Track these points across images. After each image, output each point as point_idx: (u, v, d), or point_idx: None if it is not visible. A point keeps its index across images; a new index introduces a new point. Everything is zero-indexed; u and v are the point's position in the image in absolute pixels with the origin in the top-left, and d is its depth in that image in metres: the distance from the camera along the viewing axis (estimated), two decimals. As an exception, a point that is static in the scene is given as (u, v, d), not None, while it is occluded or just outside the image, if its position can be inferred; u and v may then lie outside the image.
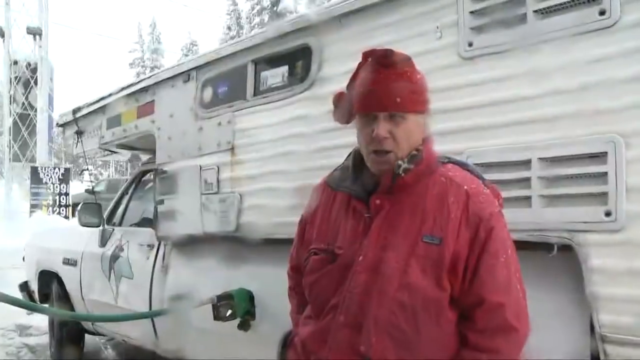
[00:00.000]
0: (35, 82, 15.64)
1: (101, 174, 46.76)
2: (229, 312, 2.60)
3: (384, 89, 1.31)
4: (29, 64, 15.88)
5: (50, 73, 16.01)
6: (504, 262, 1.28)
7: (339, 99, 1.45)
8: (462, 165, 1.45)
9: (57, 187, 15.13)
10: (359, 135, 1.39)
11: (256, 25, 38.73)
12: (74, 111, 4.20)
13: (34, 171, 15.02)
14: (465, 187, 1.34)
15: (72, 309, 4.40)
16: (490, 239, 1.28)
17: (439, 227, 1.29)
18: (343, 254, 1.36)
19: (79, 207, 4.12)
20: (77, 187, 20.66)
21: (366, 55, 1.35)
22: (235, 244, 2.77)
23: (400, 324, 1.26)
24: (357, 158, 1.44)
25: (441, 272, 1.27)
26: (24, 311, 5.52)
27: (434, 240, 1.28)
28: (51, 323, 4.75)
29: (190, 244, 3.10)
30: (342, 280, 1.34)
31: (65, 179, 15.44)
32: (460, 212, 1.30)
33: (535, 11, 1.72)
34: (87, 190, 17.55)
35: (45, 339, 5.15)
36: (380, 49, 1.33)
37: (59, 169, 16.08)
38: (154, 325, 3.38)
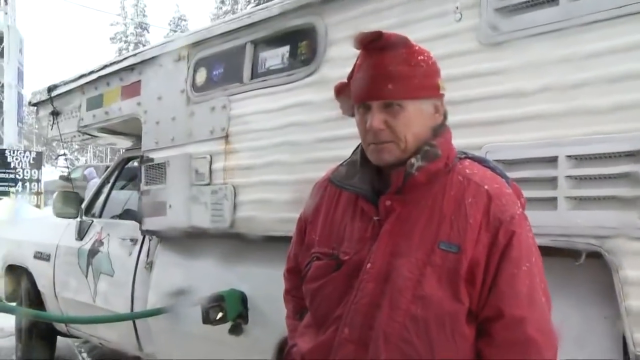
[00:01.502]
0: (2, 54, 15.47)
1: (78, 159, 46.68)
2: (220, 315, 2.60)
3: (375, 75, 1.29)
4: (-6, 33, 15.69)
5: (19, 44, 15.84)
6: (526, 271, 1.25)
7: (340, 89, 1.44)
8: (481, 162, 1.42)
9: (27, 172, 15.08)
10: (357, 128, 1.37)
11: (252, 0, 38.56)
12: (50, 89, 4.18)
13: (1, 154, 14.94)
14: (486, 187, 1.31)
15: (43, 308, 4.39)
16: (511, 245, 1.25)
17: (456, 232, 1.27)
18: (349, 260, 1.34)
19: (54, 196, 4.10)
20: (50, 173, 20.61)
21: (356, 40, 1.32)
22: (227, 240, 2.77)
23: (412, 339, 1.24)
24: (364, 152, 1.42)
25: (459, 282, 1.24)
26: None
27: (452, 247, 1.26)
28: (19, 324, 4.73)
29: (178, 240, 3.09)
30: (347, 289, 1.33)
31: (36, 163, 15.38)
32: (481, 215, 1.27)
33: (569, -9, 1.70)
34: (61, 177, 17.49)
35: (11, 342, 5.12)
36: (369, 32, 1.30)
37: (30, 152, 16.01)
38: (135, 328, 3.38)
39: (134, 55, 3.42)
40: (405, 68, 1.30)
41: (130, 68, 3.37)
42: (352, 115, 1.42)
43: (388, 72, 1.28)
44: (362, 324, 1.29)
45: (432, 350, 1.24)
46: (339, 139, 2.18)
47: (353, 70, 1.39)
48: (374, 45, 1.30)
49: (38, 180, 15.14)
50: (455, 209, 1.29)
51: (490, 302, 1.25)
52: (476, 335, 1.27)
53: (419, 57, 1.33)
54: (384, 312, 1.26)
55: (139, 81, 3.30)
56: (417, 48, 1.34)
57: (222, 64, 2.82)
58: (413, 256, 1.27)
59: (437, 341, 1.24)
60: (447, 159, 1.34)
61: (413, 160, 1.30)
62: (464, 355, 1.26)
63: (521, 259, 1.26)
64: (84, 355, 4.91)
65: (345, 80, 1.43)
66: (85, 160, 45.11)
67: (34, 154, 15.62)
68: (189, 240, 3.03)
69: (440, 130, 1.36)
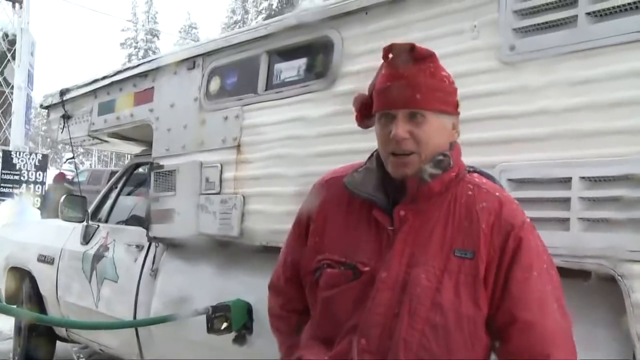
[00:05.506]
0: (13, 56, 15.55)
1: (82, 163, 46.86)
2: (224, 324, 2.60)
3: (403, 85, 1.32)
4: (6, 35, 15.75)
5: (30, 47, 15.93)
6: (537, 277, 1.29)
7: (358, 101, 1.46)
8: (489, 177, 1.47)
9: (32, 174, 15.13)
10: (377, 137, 1.40)
11: (263, 10, 38.87)
12: (62, 93, 4.22)
13: (7, 155, 14.98)
14: (497, 194, 1.37)
15: (43, 312, 4.39)
16: (521, 249, 1.29)
17: (470, 239, 1.30)
18: (368, 271, 1.35)
19: (61, 199, 4.13)
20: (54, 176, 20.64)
21: (387, 50, 1.36)
22: (234, 250, 2.78)
23: (432, 347, 1.27)
24: (380, 161, 1.44)
25: (477, 288, 1.28)
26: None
27: (467, 254, 1.30)
28: (18, 327, 4.73)
29: (184, 248, 3.11)
30: (362, 299, 1.34)
31: (42, 166, 15.43)
32: (493, 218, 1.32)
33: (587, 13, 1.72)
34: (66, 180, 17.56)
35: (8, 345, 5.11)
36: (401, 43, 1.35)
37: (36, 154, 16.06)
38: (137, 335, 3.38)
39: (148, 61, 3.46)
40: (432, 81, 1.34)
41: (144, 74, 3.41)
42: (366, 127, 1.46)
43: (417, 82, 1.32)
44: (381, 333, 1.30)
45: (450, 356, 1.27)
46: (351, 152, 2.19)
47: (373, 81, 1.42)
48: (404, 56, 1.33)
49: (42, 183, 15.18)
50: (467, 215, 1.33)
51: (504, 307, 1.29)
52: (494, 341, 1.31)
53: (443, 73, 1.38)
54: (403, 321, 1.28)
55: (152, 88, 3.33)
56: (441, 64, 1.38)
57: (237, 74, 2.85)
58: (430, 264, 1.30)
59: (456, 347, 1.27)
60: (458, 169, 1.39)
61: (426, 166, 1.33)
62: (481, 358, 1.30)
63: (532, 265, 1.30)
64: (83, 360, 4.90)
65: (362, 92, 1.46)
66: (90, 164, 45.26)
67: (39, 156, 15.66)
68: (196, 249, 3.04)
69: (452, 144, 1.41)
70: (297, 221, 1.58)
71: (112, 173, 16.85)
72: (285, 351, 1.59)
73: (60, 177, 13.29)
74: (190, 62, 3.07)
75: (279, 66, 2.67)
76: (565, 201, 1.73)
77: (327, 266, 1.42)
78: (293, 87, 2.57)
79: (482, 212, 1.32)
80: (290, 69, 2.62)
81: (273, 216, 2.56)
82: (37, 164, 15.20)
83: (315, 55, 2.53)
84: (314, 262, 1.45)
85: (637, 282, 1.56)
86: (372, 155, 1.47)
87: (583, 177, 1.70)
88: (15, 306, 4.68)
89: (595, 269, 1.64)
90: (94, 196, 4.52)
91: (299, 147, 2.48)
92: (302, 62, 2.58)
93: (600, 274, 1.64)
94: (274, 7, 38.61)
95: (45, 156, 16.91)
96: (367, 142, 1.99)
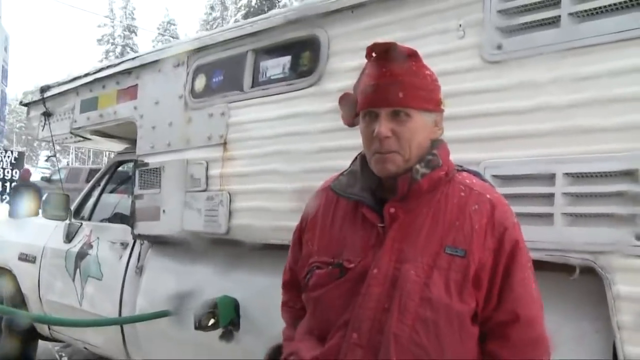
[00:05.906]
0: (-14, 51, 15.35)
1: (59, 160, 46.27)
2: (212, 321, 2.62)
3: (386, 83, 1.34)
4: (-22, 30, 15.55)
5: (4, 42, 15.73)
6: (530, 275, 1.35)
7: (344, 99, 1.48)
8: (477, 175, 1.50)
9: (8, 172, 14.95)
10: (362, 136, 1.41)
11: (242, 7, 38.69)
12: (42, 90, 4.18)
13: (-19, 153, 14.78)
14: (488, 196, 1.39)
15: (26, 310, 4.34)
16: (518, 250, 1.34)
17: (462, 238, 1.33)
18: (354, 267, 1.37)
19: (44, 198, 4.10)
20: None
21: (370, 49, 1.38)
22: (220, 247, 2.80)
23: (422, 341, 1.29)
24: (364, 162, 1.46)
25: (466, 285, 1.31)
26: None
27: (458, 252, 1.32)
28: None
29: (170, 245, 3.11)
30: (352, 296, 1.36)
31: (18, 163, 15.25)
32: (486, 220, 1.34)
33: (570, 14, 1.77)
34: (43, 178, 17.35)
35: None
36: (383, 42, 1.36)
37: (12, 152, 15.86)
38: (122, 333, 3.38)
39: (132, 59, 3.44)
40: (415, 79, 1.36)
41: (128, 72, 3.39)
42: (352, 125, 1.48)
43: (399, 81, 1.34)
44: (371, 328, 1.32)
45: (442, 350, 1.29)
46: (337, 150, 2.22)
47: (358, 80, 1.44)
48: (387, 55, 1.35)
49: (18, 181, 14.99)
50: (459, 215, 1.35)
51: (505, 307, 1.32)
52: (486, 336, 1.34)
53: (426, 72, 1.40)
54: (393, 316, 1.30)
55: (136, 85, 3.32)
56: (424, 63, 1.41)
57: (222, 72, 2.86)
58: (419, 260, 1.32)
59: (447, 341, 1.30)
60: (447, 168, 1.40)
61: (417, 166, 1.36)
62: (471, 353, 1.33)
63: (526, 264, 1.35)
64: (65, 359, 4.86)
65: (348, 91, 1.48)
66: (68, 162, 44.69)
67: (16, 154, 15.48)
68: (181, 246, 3.05)
69: (439, 143, 1.43)
70: (295, 230, 1.61)
71: (92, 171, 16.69)
72: (284, 341, 1.62)
73: (26, 174, 13.05)
74: (175, 60, 3.06)
75: (265, 64, 2.68)
76: (549, 197, 1.77)
77: (316, 268, 1.44)
78: (279, 85, 2.59)
79: (475, 214, 1.34)
80: (277, 66, 2.63)
81: (260, 213, 2.58)
82: (13, 161, 15.02)
83: (302, 53, 2.55)
84: (306, 267, 1.48)
85: (618, 275, 1.61)
86: (356, 158, 1.50)
87: (567, 174, 1.74)
88: None
89: (579, 262, 1.69)
90: (72, 194, 4.48)
91: (285, 144, 2.50)
92: (288, 60, 2.60)
93: (583, 267, 1.68)
94: (252, 3, 38.46)
95: (21, 154, 16.70)
96: (354, 139, 2.03)
